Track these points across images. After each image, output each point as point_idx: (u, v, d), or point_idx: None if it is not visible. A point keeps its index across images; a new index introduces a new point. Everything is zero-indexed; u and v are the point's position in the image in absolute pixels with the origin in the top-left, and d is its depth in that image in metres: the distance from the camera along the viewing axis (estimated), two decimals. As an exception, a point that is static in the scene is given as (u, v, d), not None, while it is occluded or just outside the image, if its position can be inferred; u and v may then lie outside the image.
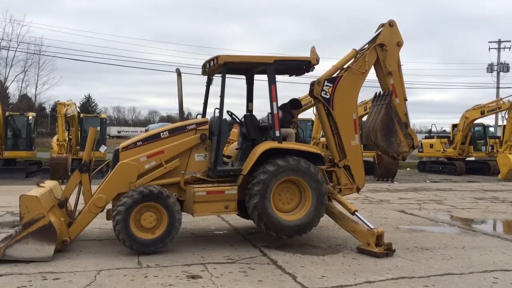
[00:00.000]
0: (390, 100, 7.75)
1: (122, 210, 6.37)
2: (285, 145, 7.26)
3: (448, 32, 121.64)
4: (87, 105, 72.10)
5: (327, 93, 7.56)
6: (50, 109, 64.09)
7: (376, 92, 8.20)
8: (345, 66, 7.77)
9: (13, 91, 48.97)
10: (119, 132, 72.23)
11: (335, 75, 7.72)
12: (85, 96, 75.73)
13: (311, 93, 7.65)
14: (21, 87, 46.41)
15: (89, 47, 45.91)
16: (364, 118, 13.17)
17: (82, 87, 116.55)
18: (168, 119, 77.81)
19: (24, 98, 48.16)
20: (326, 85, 7.55)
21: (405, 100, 8.03)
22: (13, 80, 44.96)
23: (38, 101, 52.36)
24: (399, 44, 7.92)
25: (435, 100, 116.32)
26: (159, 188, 6.60)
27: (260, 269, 5.96)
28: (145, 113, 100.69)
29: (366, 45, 7.90)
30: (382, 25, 7.92)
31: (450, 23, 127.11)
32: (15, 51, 41.88)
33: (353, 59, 7.79)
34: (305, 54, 7.71)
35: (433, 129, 28.43)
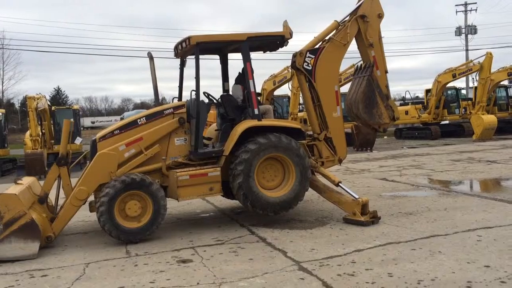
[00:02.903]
0: (372, 72, 7.77)
1: (105, 201, 6.26)
2: (265, 122, 7.22)
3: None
4: (58, 98, 70.39)
5: (309, 65, 7.54)
6: (19, 105, 62.30)
7: (357, 64, 8.21)
8: (326, 38, 7.73)
9: (-22, 88, 47.32)
10: (93, 122, 70.96)
11: (317, 46, 7.68)
12: (55, 88, 73.97)
13: (293, 64, 7.61)
14: (-14, 84, 44.83)
15: (53, 37, 44.65)
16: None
17: (50, 79, 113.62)
18: (143, 106, 76.74)
19: (-10, 95, 46.60)
20: (308, 57, 7.53)
21: (386, 72, 8.08)
22: (-24, 77, 43.36)
23: (6, 97, 50.79)
24: (380, 16, 7.91)
25: (405, 67, 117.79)
26: (141, 176, 6.50)
27: (249, 247, 5.98)
28: (118, 102, 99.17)
29: (348, 17, 7.86)
30: None
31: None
32: (-23, 46, 40.27)
33: (334, 31, 7.75)
34: (274, 29, 7.60)
35: (407, 96, 28.88)
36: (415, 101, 30.16)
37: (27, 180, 7.06)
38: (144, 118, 7.04)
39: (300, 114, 22.78)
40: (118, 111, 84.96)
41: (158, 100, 7.98)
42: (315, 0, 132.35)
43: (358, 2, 7.96)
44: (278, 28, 7.62)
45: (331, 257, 5.35)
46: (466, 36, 49.29)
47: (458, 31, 49.59)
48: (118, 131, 6.95)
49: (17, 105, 60.89)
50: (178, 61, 7.97)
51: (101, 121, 71.70)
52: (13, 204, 5.95)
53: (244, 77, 7.31)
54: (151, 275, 5.09)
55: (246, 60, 7.18)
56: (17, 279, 5.19)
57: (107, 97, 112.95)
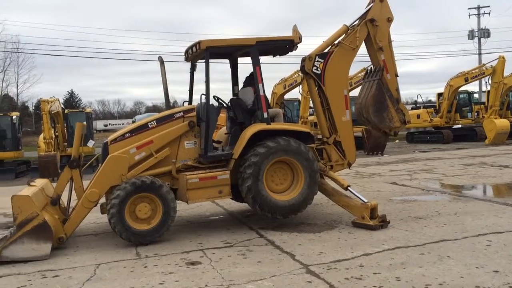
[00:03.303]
0: (382, 75, 7.77)
1: (116, 203, 6.35)
2: (274, 126, 7.26)
3: (425, 1, 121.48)
4: (71, 101, 71.18)
5: (318, 69, 7.56)
6: (33, 108, 63.17)
7: (367, 68, 8.22)
8: (336, 42, 7.76)
9: (-6, 91, 48.11)
10: (105, 125, 71.55)
11: (326, 50, 7.71)
12: (68, 91, 74.82)
13: (302, 68, 7.65)
14: (2, 87, 45.62)
15: (66, 41, 45.19)
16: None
17: (64, 83, 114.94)
18: (154, 109, 77.29)
19: (6, 98, 47.35)
20: (317, 61, 7.56)
21: (396, 75, 8.07)
22: (-8, 81, 44.13)
23: (20, 100, 51.54)
24: (390, 20, 7.91)
25: (417, 71, 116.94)
26: (151, 179, 6.57)
27: (258, 250, 6.02)
28: (131, 105, 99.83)
29: (357, 21, 7.88)
30: (373, 1, 7.90)
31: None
32: (-8, 50, 41.00)
33: (344, 35, 7.78)
34: (285, 33, 7.67)
35: (419, 100, 28.69)
36: (427, 105, 29.89)
37: (40, 182, 7.19)
38: (154, 121, 7.13)
39: (310, 118, 22.75)
40: (131, 114, 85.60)
41: (169, 104, 8.07)
42: (326, 4, 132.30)
43: (367, 6, 7.98)
44: (288, 32, 7.67)
45: (339, 261, 5.36)
46: (479, 39, 48.86)
47: (471, 35, 49.18)
48: (129, 134, 7.04)
49: (31, 108, 61.76)
50: (189, 64, 8.06)
51: (113, 124, 72.25)
52: (26, 205, 6.06)
53: (253, 81, 7.37)
54: (160, 276, 5.15)
55: (256, 64, 7.23)
56: (29, 279, 5.29)
57: (120, 100, 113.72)
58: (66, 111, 21.33)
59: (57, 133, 19.37)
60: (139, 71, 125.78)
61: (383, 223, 6.80)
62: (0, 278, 5.39)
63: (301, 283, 4.73)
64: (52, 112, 17.86)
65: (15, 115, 20.96)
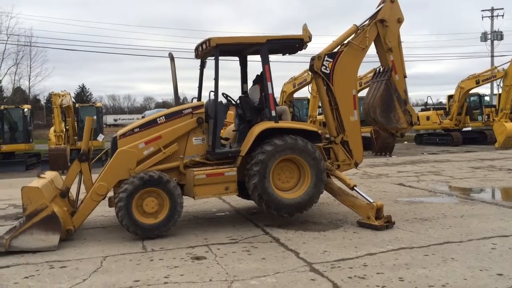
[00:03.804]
0: (390, 76, 7.77)
1: (124, 197, 6.43)
2: (282, 124, 7.29)
3: (439, 3, 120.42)
4: (82, 95, 71.77)
5: (327, 68, 7.58)
6: (44, 101, 63.79)
7: (376, 69, 8.21)
8: (345, 42, 7.77)
9: (7, 84, 48.71)
10: (115, 120, 72.06)
11: (335, 50, 7.72)
12: (79, 86, 75.46)
13: (311, 68, 7.67)
14: (14, 80, 46.09)
15: (78, 36, 45.56)
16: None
17: (75, 77, 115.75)
18: (164, 105, 77.52)
19: (18, 91, 47.81)
20: (326, 60, 7.58)
21: (405, 77, 8.06)
22: (5, 74, 44.63)
23: (32, 93, 52.04)
24: (400, 21, 7.90)
25: (429, 72, 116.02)
26: (159, 173, 6.65)
27: (263, 247, 6.07)
28: (141, 100, 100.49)
29: (367, 21, 7.89)
30: (383, 1, 7.89)
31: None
32: (6, 43, 41.46)
33: (353, 35, 7.78)
34: (294, 32, 7.69)
35: (429, 101, 28.58)
36: (437, 106, 29.74)
37: (49, 174, 7.30)
38: (163, 117, 7.20)
39: (319, 117, 22.72)
40: (140, 110, 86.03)
41: (178, 100, 8.13)
42: (335, 3, 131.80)
43: (378, 6, 7.97)
44: (297, 31, 7.69)
45: (343, 260, 5.39)
46: (492, 42, 48.32)
47: (484, 37, 48.66)
48: (138, 129, 7.12)
49: (42, 101, 62.35)
50: (198, 61, 8.11)
51: (123, 119, 72.74)
52: (36, 197, 6.17)
53: (261, 79, 7.40)
54: (166, 270, 5.22)
55: (265, 62, 7.26)
56: (37, 269, 5.39)
57: (130, 96, 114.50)
58: (77, 105, 21.54)
59: (67, 127, 19.59)
60: (150, 67, 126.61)
61: (388, 224, 6.81)
62: (8, 268, 5.49)
63: (304, 280, 4.77)
64: (63, 106, 18.06)
65: (26, 108, 21.22)
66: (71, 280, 4.98)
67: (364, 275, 4.86)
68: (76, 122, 20.55)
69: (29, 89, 49.90)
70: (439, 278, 4.70)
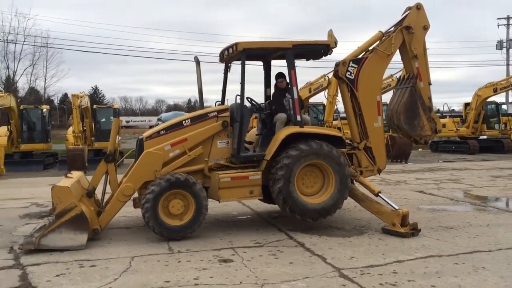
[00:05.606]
0: (415, 83, 7.74)
1: (150, 198, 6.48)
2: (307, 129, 7.30)
3: (451, 10, 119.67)
4: (95, 96, 72.36)
5: (352, 74, 7.58)
6: (58, 102, 64.45)
7: (399, 76, 8.19)
8: (370, 48, 7.77)
9: (23, 84, 49.20)
10: (127, 122, 72.47)
11: (360, 56, 7.73)
12: (92, 87, 76.11)
13: (335, 73, 7.68)
14: (30, 80, 46.65)
15: (92, 37, 45.98)
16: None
17: (88, 78, 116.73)
18: (176, 107, 77.92)
19: (32, 91, 48.39)
20: (351, 66, 7.58)
21: (430, 84, 8.03)
22: (22, 74, 45.21)
23: (47, 94, 52.60)
24: (426, 28, 7.87)
25: (441, 79, 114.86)
26: (185, 176, 6.68)
27: (288, 251, 6.06)
28: (153, 102, 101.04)
29: (392, 28, 7.88)
30: (409, 8, 7.88)
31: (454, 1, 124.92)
32: (23, 44, 42.04)
33: (378, 41, 7.77)
34: (306, 37, 7.72)
35: (445, 109, 28.24)
36: (453, 114, 29.47)
37: (76, 174, 7.38)
38: (189, 120, 7.26)
39: (334, 123, 22.67)
40: (152, 112, 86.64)
41: (202, 103, 8.18)
42: (345, 9, 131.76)
43: (404, 13, 7.96)
44: (308, 36, 7.71)
45: (371, 266, 5.37)
46: (508, 50, 47.78)
47: (499, 45, 48.18)
48: (164, 131, 7.18)
49: (56, 102, 62.97)
50: (221, 65, 8.16)
51: (135, 121, 73.26)
52: (65, 196, 6.25)
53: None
54: (195, 272, 5.24)
55: (291, 67, 7.28)
56: (67, 268, 5.45)
57: (142, 98, 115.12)
58: (94, 106, 21.74)
59: (85, 127, 19.77)
60: (162, 69, 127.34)
61: (414, 231, 6.77)
62: (39, 266, 5.56)
63: (335, 285, 4.76)
64: (82, 107, 18.24)
65: (45, 108, 21.44)
66: (102, 279, 5.03)
67: (395, 282, 4.83)
68: (93, 123, 20.75)
69: (44, 89, 50.46)
70: (471, 287, 4.66)
